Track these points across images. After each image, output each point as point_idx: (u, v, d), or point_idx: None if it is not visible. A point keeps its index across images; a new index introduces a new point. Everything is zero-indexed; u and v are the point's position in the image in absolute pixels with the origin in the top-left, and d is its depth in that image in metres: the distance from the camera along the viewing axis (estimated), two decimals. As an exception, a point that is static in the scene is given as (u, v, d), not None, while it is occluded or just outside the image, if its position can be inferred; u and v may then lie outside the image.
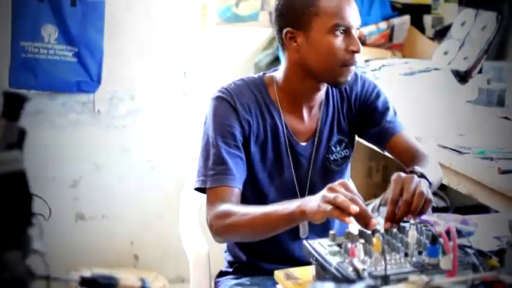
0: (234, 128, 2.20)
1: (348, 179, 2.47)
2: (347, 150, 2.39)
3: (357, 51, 2.14)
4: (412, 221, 1.76)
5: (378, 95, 2.39)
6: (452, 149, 2.86)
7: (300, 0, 2.17)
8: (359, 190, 1.86)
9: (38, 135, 4.05)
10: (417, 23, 4.54)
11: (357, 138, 2.46)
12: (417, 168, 1.97)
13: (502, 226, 1.94)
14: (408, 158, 2.26)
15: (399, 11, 4.59)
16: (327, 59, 2.16)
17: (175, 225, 2.80)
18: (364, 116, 2.37)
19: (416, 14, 4.56)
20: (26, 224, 1.12)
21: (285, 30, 2.19)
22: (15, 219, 1.10)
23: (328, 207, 1.74)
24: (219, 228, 2.10)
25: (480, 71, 3.82)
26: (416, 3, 4.65)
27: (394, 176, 1.85)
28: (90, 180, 4.24)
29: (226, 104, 2.21)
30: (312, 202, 1.82)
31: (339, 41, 2.13)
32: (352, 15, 2.15)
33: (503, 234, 1.95)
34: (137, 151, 4.31)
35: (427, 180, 1.93)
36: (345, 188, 1.79)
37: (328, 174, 2.35)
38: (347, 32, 2.14)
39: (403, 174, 1.86)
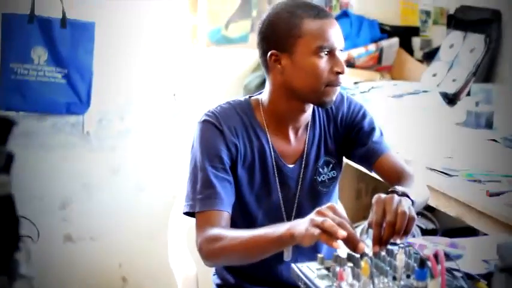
0: (221, 151, 2.20)
1: (336, 200, 2.47)
2: (334, 171, 2.38)
3: (341, 72, 2.15)
4: (398, 241, 1.77)
5: (364, 116, 2.39)
6: (440, 172, 2.87)
7: (284, 23, 2.18)
8: (348, 212, 1.86)
9: (27, 156, 4.03)
10: (406, 45, 4.57)
11: (345, 160, 2.47)
12: (398, 188, 1.96)
13: (491, 249, 1.94)
14: (395, 178, 2.25)
15: (388, 33, 4.62)
16: (311, 80, 2.17)
17: (164, 248, 2.80)
18: (351, 136, 2.37)
19: (405, 37, 4.59)
20: (13, 248, 1.11)
21: (269, 53, 2.21)
22: (2, 244, 1.09)
23: (316, 231, 1.74)
24: (209, 252, 2.10)
25: (468, 94, 3.83)
26: (405, 26, 4.68)
27: (375, 198, 1.85)
28: (79, 202, 4.23)
29: (213, 128, 2.22)
30: (301, 226, 1.81)
31: (323, 62, 2.15)
32: (336, 37, 2.16)
33: (491, 258, 1.95)
34: (126, 172, 4.30)
35: (409, 198, 1.93)
36: (333, 211, 1.79)
37: (315, 195, 2.35)
38: (331, 53, 2.16)
39: (383, 195, 1.86)
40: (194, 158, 2.23)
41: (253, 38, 4.42)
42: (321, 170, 2.35)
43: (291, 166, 2.31)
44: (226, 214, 2.16)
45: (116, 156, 4.26)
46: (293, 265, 1.75)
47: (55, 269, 4.14)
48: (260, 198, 2.30)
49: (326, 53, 2.15)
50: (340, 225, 1.73)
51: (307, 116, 2.30)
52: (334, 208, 1.81)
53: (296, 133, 2.32)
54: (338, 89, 2.20)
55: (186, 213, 2.22)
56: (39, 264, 4.01)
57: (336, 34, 2.17)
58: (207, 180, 2.16)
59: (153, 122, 4.31)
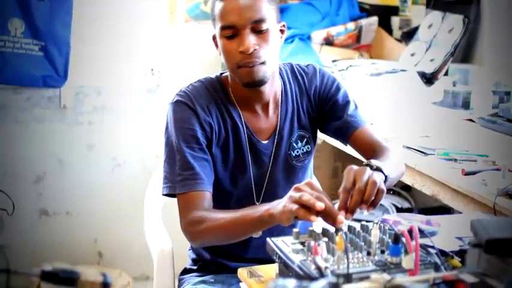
0: (196, 131, 2.19)
1: (311, 175, 2.48)
2: (309, 146, 2.38)
3: (244, 52, 2.11)
4: (365, 211, 1.77)
5: (337, 88, 2.37)
6: (417, 150, 2.88)
7: (211, 7, 2.21)
8: (324, 190, 1.86)
9: (2, 130, 4.01)
10: (385, 25, 4.57)
11: (322, 137, 2.47)
12: (373, 161, 1.95)
13: (465, 227, 1.95)
14: (370, 152, 2.25)
15: (367, 12, 4.62)
16: (226, 63, 2.20)
17: (140, 223, 2.79)
18: (325, 110, 2.36)
19: (384, 16, 4.59)
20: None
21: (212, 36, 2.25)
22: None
23: (294, 206, 1.74)
24: (193, 234, 2.12)
25: (446, 73, 3.85)
26: (384, 5, 4.68)
27: (346, 169, 1.85)
28: (54, 177, 4.21)
29: (186, 108, 2.21)
30: (279, 204, 1.82)
31: (230, 43, 2.14)
32: (238, 15, 2.12)
33: (465, 235, 1.96)
34: (102, 148, 4.29)
35: (383, 173, 1.93)
36: (311, 187, 1.80)
37: (290, 170, 2.34)
38: (239, 33, 2.13)
39: (355, 167, 1.86)
40: (169, 139, 2.22)
41: (232, 14, 4.44)
42: (294, 144, 2.34)
43: (264, 142, 2.31)
44: (207, 194, 2.16)
45: (92, 132, 4.25)
46: (268, 239, 1.75)
47: (30, 242, 4.13)
48: (235, 175, 2.30)
49: (232, 33, 2.13)
50: (318, 198, 1.74)
51: (268, 92, 2.27)
52: (312, 184, 1.81)
53: (267, 109, 2.30)
54: (254, 70, 2.14)
55: (166, 195, 2.22)
56: (15, 237, 4.01)
57: (238, 12, 2.12)
58: (185, 161, 2.16)
59: (130, 98, 4.29)
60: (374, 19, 4.54)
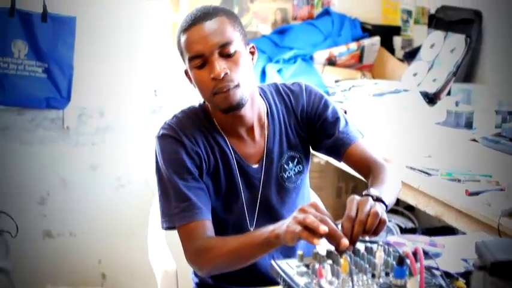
0: (186, 161, 2.16)
1: (307, 193, 2.45)
2: (300, 166, 2.35)
3: (216, 77, 2.09)
4: (367, 238, 1.77)
5: (326, 106, 2.34)
6: (420, 171, 2.88)
7: (177, 41, 2.19)
8: (328, 210, 1.86)
9: (6, 151, 4.02)
10: (387, 45, 4.59)
11: (325, 157, 2.46)
12: (372, 191, 1.93)
13: (469, 248, 1.95)
14: (365, 169, 2.24)
15: (369, 32, 4.63)
16: (201, 93, 2.18)
17: (143, 244, 2.79)
18: (315, 128, 2.33)
19: (386, 36, 4.61)
20: (-9, 242, 1.11)
21: (184, 71, 2.24)
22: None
23: (298, 228, 1.74)
24: (202, 264, 2.11)
25: (449, 93, 3.85)
26: (387, 25, 4.70)
27: (349, 198, 1.84)
28: (58, 197, 4.21)
29: (172, 140, 2.19)
30: (284, 224, 1.82)
31: (201, 72, 2.13)
32: (202, 43, 2.10)
33: (470, 257, 1.95)
34: (106, 168, 4.29)
35: (383, 203, 1.92)
36: (316, 208, 1.79)
37: (283, 192, 2.32)
38: (207, 60, 2.11)
39: (358, 197, 1.85)
40: (161, 174, 2.20)
41: (235, 35, 4.46)
42: (285, 166, 2.32)
43: (254, 166, 2.28)
44: (207, 222, 2.14)
45: (96, 152, 4.25)
46: (272, 262, 1.75)
47: (34, 264, 4.12)
48: (227, 202, 2.28)
49: (201, 62, 2.12)
50: (322, 221, 1.73)
51: (250, 115, 2.24)
52: (317, 205, 1.81)
53: (252, 132, 2.28)
54: (229, 94, 2.12)
55: (166, 229, 2.21)
56: (18, 259, 3.99)
57: (203, 39, 2.10)
58: (180, 193, 2.14)
59: (133, 119, 4.30)
60: (376, 39, 4.56)
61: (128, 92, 4.28)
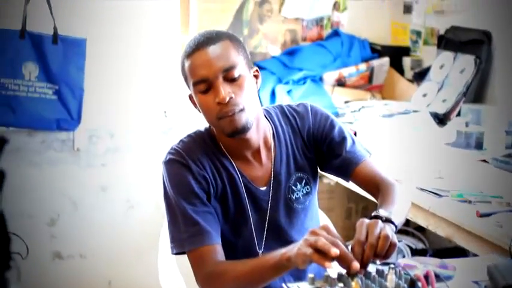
0: (193, 186, 2.16)
1: (316, 214, 2.44)
2: (308, 187, 2.34)
3: (221, 102, 2.09)
4: (378, 262, 1.76)
5: (332, 125, 2.34)
6: (430, 192, 2.88)
7: (181, 66, 2.19)
8: (338, 232, 1.85)
9: (16, 172, 4.03)
10: (396, 65, 4.59)
11: (335, 178, 2.45)
12: (382, 212, 1.92)
13: (481, 270, 1.95)
14: (373, 188, 2.23)
15: (379, 53, 4.64)
16: (206, 117, 2.18)
17: (154, 266, 2.79)
18: (322, 149, 2.33)
19: (396, 56, 4.61)
20: (4, 267, 1.11)
21: (188, 96, 2.24)
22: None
23: (309, 250, 1.73)
24: None
25: (459, 114, 3.85)
26: (396, 46, 4.71)
27: (359, 222, 1.83)
28: (68, 219, 4.22)
29: (179, 165, 2.18)
30: (295, 247, 1.81)
31: (206, 97, 2.13)
32: (207, 67, 2.11)
33: (481, 279, 1.95)
34: (116, 190, 4.29)
35: (393, 223, 1.92)
36: (327, 231, 1.79)
37: (292, 214, 2.31)
38: (212, 85, 2.11)
39: (367, 220, 1.84)
40: (169, 200, 2.20)
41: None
42: (293, 187, 2.31)
43: (262, 189, 2.28)
44: (217, 246, 2.14)
45: (106, 174, 4.26)
46: (284, 285, 1.74)
47: (44, 286, 4.13)
48: (236, 226, 2.27)
49: (205, 87, 2.12)
50: (334, 244, 1.72)
51: (256, 138, 2.24)
52: (328, 228, 1.80)
53: (259, 155, 2.28)
54: (235, 118, 2.12)
55: (177, 254, 2.20)
56: (28, 281, 3.99)
57: (207, 64, 2.11)
58: (189, 217, 2.14)
59: (143, 140, 4.31)
60: (386, 60, 4.57)
61: (138, 113, 4.30)
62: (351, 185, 2.78)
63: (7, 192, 1.16)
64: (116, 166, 4.28)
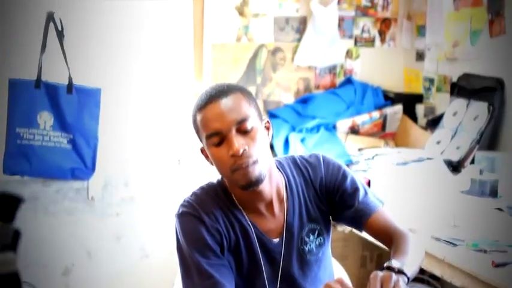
0: (207, 239, 2.16)
1: (329, 265, 2.42)
2: (321, 238, 2.32)
3: (235, 154, 2.08)
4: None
5: (344, 176, 2.33)
6: (446, 241, 2.86)
7: (192, 120, 2.19)
8: (353, 280, 1.86)
9: (31, 221, 4.04)
10: (410, 112, 4.60)
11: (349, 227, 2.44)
12: (394, 263, 1.93)
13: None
14: (387, 239, 2.22)
15: (392, 100, 4.66)
16: (219, 170, 2.18)
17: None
18: (334, 200, 2.32)
19: (409, 104, 4.62)
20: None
21: (200, 149, 2.23)
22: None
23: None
24: None
25: (473, 161, 3.83)
26: (409, 93, 4.72)
27: (372, 275, 1.83)
28: (83, 268, 4.21)
29: (193, 218, 2.18)
30: None
31: (220, 150, 2.12)
32: (220, 120, 2.11)
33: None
34: (130, 239, 4.29)
35: (405, 275, 1.91)
36: (341, 284, 1.79)
37: (305, 265, 2.30)
38: (225, 137, 2.11)
39: (380, 273, 1.84)
40: (183, 252, 2.20)
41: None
42: (306, 239, 2.30)
43: (275, 241, 2.27)
44: None
45: (120, 223, 4.26)
46: None
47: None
48: (249, 278, 2.26)
49: (219, 140, 2.12)
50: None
51: (269, 190, 2.23)
52: (342, 281, 1.80)
53: (271, 207, 2.27)
54: (248, 170, 2.11)
55: None
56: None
57: (220, 117, 2.11)
58: (203, 271, 2.13)
59: (157, 188, 4.32)
60: (399, 107, 4.58)
61: (152, 162, 4.31)
62: (365, 234, 2.78)
63: (22, 241, 1.17)
64: (130, 214, 4.28)
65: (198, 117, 2.15)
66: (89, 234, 4.22)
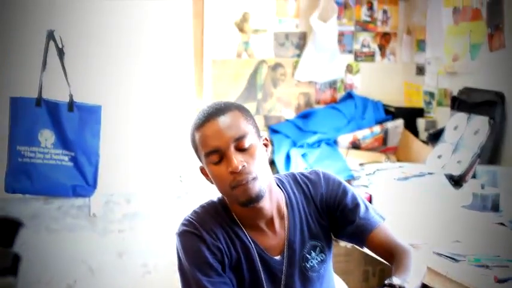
0: (208, 258, 2.16)
1: (331, 281, 2.41)
2: (323, 254, 2.32)
3: (234, 171, 2.09)
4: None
5: (345, 192, 2.32)
6: (447, 257, 2.85)
7: (191, 139, 2.19)
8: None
9: (33, 239, 4.03)
10: (411, 127, 4.60)
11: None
12: (395, 280, 1.93)
13: None
14: (388, 255, 2.22)
15: (392, 114, 4.66)
16: (220, 188, 2.18)
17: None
18: (335, 215, 2.31)
19: (410, 118, 4.62)
20: None
21: (199, 168, 2.23)
22: None
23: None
24: None
25: (474, 176, 3.83)
26: (410, 107, 4.72)
27: None
28: (85, 285, 4.21)
29: (193, 236, 2.18)
30: None
31: (219, 167, 2.12)
32: (218, 138, 2.12)
33: None
34: (132, 255, 4.29)
35: None
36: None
37: (307, 282, 2.29)
38: (224, 155, 2.12)
39: None
40: (184, 271, 2.19)
41: (258, 121, 4.50)
42: (308, 255, 2.29)
43: (277, 258, 2.26)
44: None
45: (122, 239, 4.26)
46: None
47: None
48: None
49: (218, 158, 2.12)
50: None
51: (269, 207, 2.23)
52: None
53: (272, 224, 2.26)
54: (248, 187, 2.12)
55: None
56: None
57: (218, 134, 2.12)
58: None
59: (159, 205, 4.32)
60: (400, 122, 4.58)
61: (154, 179, 4.31)
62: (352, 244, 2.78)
63: (24, 258, 1.17)
64: (132, 231, 4.28)
65: (197, 136, 2.15)
66: (91, 251, 4.21)
